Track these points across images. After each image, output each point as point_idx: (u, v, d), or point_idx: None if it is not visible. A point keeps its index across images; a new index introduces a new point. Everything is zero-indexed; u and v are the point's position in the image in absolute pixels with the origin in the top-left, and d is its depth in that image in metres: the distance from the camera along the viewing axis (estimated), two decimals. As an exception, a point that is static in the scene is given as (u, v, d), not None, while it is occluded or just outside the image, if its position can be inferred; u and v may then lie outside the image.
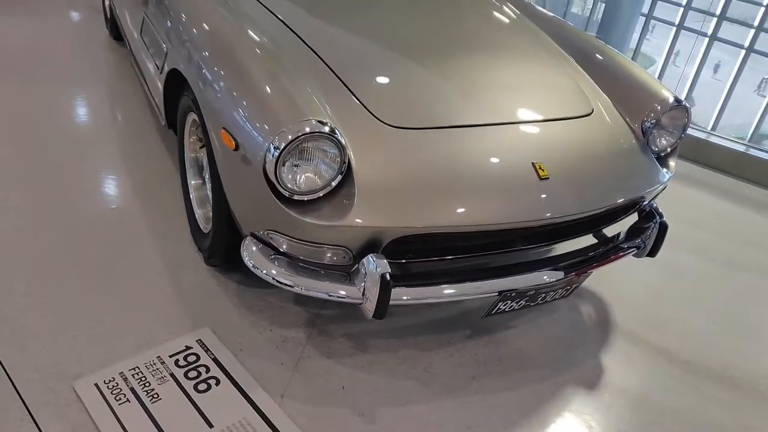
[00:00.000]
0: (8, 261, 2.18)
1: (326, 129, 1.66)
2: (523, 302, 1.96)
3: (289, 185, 1.64)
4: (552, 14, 2.77)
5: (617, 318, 2.40)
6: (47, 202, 2.50)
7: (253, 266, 1.79)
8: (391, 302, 1.75)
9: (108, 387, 1.76)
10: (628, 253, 2.16)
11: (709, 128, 4.33)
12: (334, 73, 1.95)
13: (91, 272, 2.18)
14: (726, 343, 2.39)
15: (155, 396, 1.77)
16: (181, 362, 1.89)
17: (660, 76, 9.53)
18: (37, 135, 2.96)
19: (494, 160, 1.88)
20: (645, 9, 9.40)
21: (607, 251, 2.11)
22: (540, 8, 2.84)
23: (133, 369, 1.84)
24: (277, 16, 2.17)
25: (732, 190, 3.69)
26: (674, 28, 5.16)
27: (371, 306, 1.73)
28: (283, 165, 1.63)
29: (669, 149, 2.26)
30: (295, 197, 1.66)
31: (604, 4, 9.57)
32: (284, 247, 1.78)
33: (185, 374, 1.85)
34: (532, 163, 1.88)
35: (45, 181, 2.63)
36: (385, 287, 1.69)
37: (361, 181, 1.71)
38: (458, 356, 2.10)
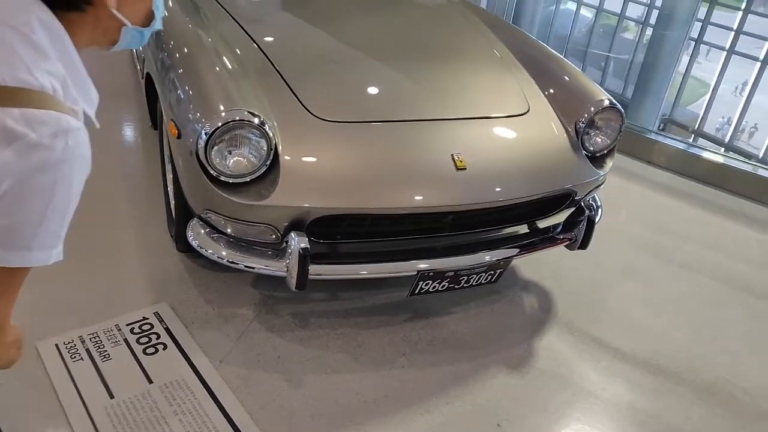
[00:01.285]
0: None
1: (255, 120, 1.87)
2: (446, 284, 2.10)
3: (218, 167, 1.85)
4: (507, 21, 2.94)
5: (558, 309, 2.50)
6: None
7: (194, 242, 2.00)
8: (311, 276, 1.93)
9: (66, 347, 1.99)
10: (555, 244, 2.28)
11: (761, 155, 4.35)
12: (279, 73, 2.16)
13: (72, 248, 2.42)
14: (661, 334, 2.46)
15: (107, 356, 1.98)
16: (136, 330, 2.10)
17: (711, 102, 9.39)
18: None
19: (415, 151, 2.04)
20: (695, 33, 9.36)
21: (531, 240, 2.22)
22: (497, 16, 3.01)
23: (92, 333, 2.06)
24: (239, 24, 2.40)
25: (712, 201, 3.71)
26: (724, 53, 5.16)
27: (292, 279, 1.91)
28: (212, 148, 1.83)
29: (606, 150, 2.37)
30: (222, 178, 1.85)
31: (651, 29, 9.61)
32: (223, 226, 1.98)
33: (137, 340, 2.06)
34: (452, 155, 2.03)
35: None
36: (303, 261, 1.87)
37: (286, 167, 1.90)
38: (393, 335, 2.25)
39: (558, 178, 2.21)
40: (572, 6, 13.85)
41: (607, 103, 2.34)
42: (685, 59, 10.03)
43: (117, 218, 2.69)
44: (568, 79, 2.51)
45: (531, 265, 2.70)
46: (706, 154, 4.00)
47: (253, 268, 1.97)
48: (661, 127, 10.80)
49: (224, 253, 1.98)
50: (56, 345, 1.99)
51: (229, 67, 2.08)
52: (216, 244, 2.00)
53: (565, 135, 2.31)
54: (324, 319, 2.28)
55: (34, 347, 1.97)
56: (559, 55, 2.65)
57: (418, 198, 1.97)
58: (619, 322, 2.50)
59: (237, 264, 1.97)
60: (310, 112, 2.04)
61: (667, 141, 4.14)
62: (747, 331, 2.56)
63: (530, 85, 2.46)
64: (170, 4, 2.53)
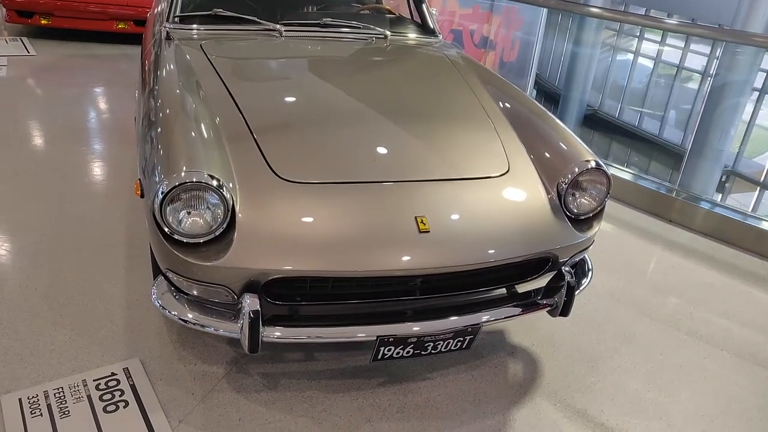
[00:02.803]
0: (-1, 293, 2.53)
1: (213, 183, 1.87)
2: (410, 350, 2.02)
3: (173, 226, 1.85)
4: (501, 77, 2.89)
5: (545, 378, 2.35)
6: (54, 222, 2.88)
7: (156, 301, 2.00)
8: (266, 339, 1.89)
9: (29, 402, 2.00)
10: (533, 310, 2.16)
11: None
12: (254, 138, 2.17)
13: (54, 295, 2.49)
14: (656, 409, 2.26)
15: (66, 413, 1.98)
16: (102, 386, 2.10)
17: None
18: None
19: (377, 213, 1.99)
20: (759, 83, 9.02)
21: (507, 306, 2.12)
22: (492, 71, 2.97)
23: (58, 388, 2.07)
24: (227, 89, 2.44)
25: (734, 263, 3.46)
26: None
27: (244, 341, 1.87)
28: (168, 207, 1.84)
29: (591, 213, 2.26)
30: (176, 237, 1.86)
31: (711, 78, 9.34)
32: (184, 287, 1.98)
33: (100, 396, 2.06)
34: (415, 217, 1.97)
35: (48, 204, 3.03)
36: (253, 324, 1.84)
37: (242, 229, 1.88)
38: (362, 400, 2.16)
39: (533, 241, 2.10)
40: (630, 56, 13.64)
41: (593, 164, 2.24)
42: (749, 108, 9.65)
43: (104, 268, 2.74)
44: (556, 138, 2.42)
45: (521, 330, 2.57)
46: (731, 214, 3.75)
47: (209, 329, 1.95)
48: (723, 179, 10.33)
49: (182, 314, 1.96)
50: (19, 399, 2.01)
51: (204, 134, 2.11)
52: (178, 305, 1.99)
53: (546, 196, 2.21)
54: (294, 381, 2.23)
55: (-1, 400, 2.00)
56: (551, 114, 2.56)
57: (377, 261, 1.91)
58: (611, 393, 2.32)
59: (193, 325, 1.95)
60: (276, 174, 2.04)
61: (691, 199, 3.91)
62: (755, 412, 2.33)
63: (515, 145, 2.39)
64: (170, 66, 2.62)
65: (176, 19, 3.01)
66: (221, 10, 3.03)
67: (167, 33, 2.93)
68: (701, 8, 12.16)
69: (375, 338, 1.95)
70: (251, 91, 2.53)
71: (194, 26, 2.99)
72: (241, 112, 2.28)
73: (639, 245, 3.54)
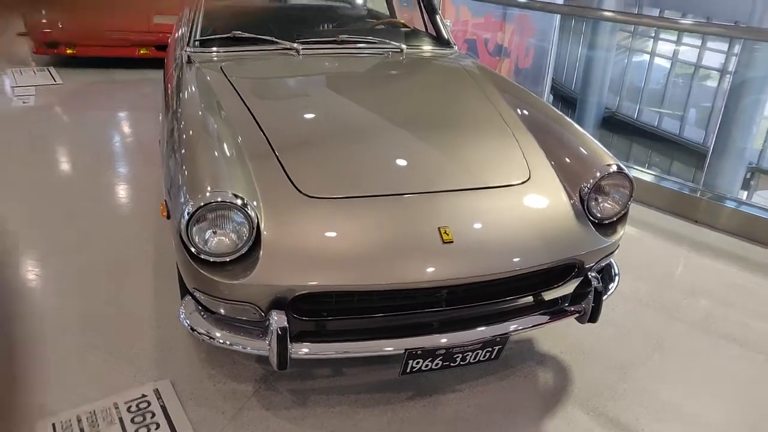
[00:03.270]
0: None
1: (238, 202, 1.87)
2: (439, 362, 1.99)
3: (199, 245, 1.85)
4: (518, 84, 2.87)
5: (575, 386, 2.31)
6: (75, 239, 2.91)
7: (185, 321, 2.00)
8: (294, 356, 1.88)
9: (62, 427, 2.01)
10: (560, 317, 2.13)
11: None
12: (276, 156, 2.17)
13: (81, 322, 2.51)
14: (692, 417, 2.20)
15: (100, 435, 1.99)
16: (133, 408, 2.10)
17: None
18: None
19: (401, 225, 1.98)
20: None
21: (534, 314, 2.08)
22: (508, 79, 2.96)
23: (90, 412, 2.08)
24: (249, 109, 2.45)
25: (752, 258, 3.38)
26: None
27: (273, 358, 1.86)
28: (194, 227, 1.84)
29: (615, 217, 2.22)
30: (203, 257, 1.86)
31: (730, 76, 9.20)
32: (212, 305, 1.98)
33: (132, 419, 2.06)
34: (438, 228, 1.96)
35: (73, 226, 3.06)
36: (281, 341, 1.83)
37: (268, 246, 1.88)
38: (391, 414, 2.14)
39: (558, 248, 2.07)
40: (646, 57, 13.52)
41: (614, 168, 2.20)
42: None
43: (132, 289, 2.76)
44: (575, 143, 2.39)
45: (550, 338, 2.53)
46: (758, 212, 3.66)
47: (238, 347, 1.94)
48: (748, 176, 10.15)
49: (211, 333, 1.96)
50: (53, 424, 2.02)
51: (227, 153, 2.11)
52: (206, 323, 1.99)
53: (569, 202, 2.18)
54: (324, 396, 2.21)
55: (32, 427, 2.01)
56: (568, 118, 2.53)
57: (401, 273, 1.89)
58: (645, 401, 2.27)
59: (221, 344, 1.94)
60: (299, 191, 2.03)
61: (716, 199, 3.83)
62: (795, 412, 2.26)
63: (535, 152, 2.36)
64: (192, 89, 2.64)
65: (196, 43, 3.04)
66: (239, 32, 3.05)
67: (188, 56, 2.96)
68: (716, 6, 12.02)
69: (403, 351, 1.93)
70: (271, 109, 2.54)
71: (214, 49, 3.02)
72: (262, 131, 2.29)
73: (665, 247, 3.48)
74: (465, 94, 2.80)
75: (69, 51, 6.65)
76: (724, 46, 11.52)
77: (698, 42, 12.36)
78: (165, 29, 6.29)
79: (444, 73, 3.15)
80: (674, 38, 12.56)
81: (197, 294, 1.97)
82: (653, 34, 13.00)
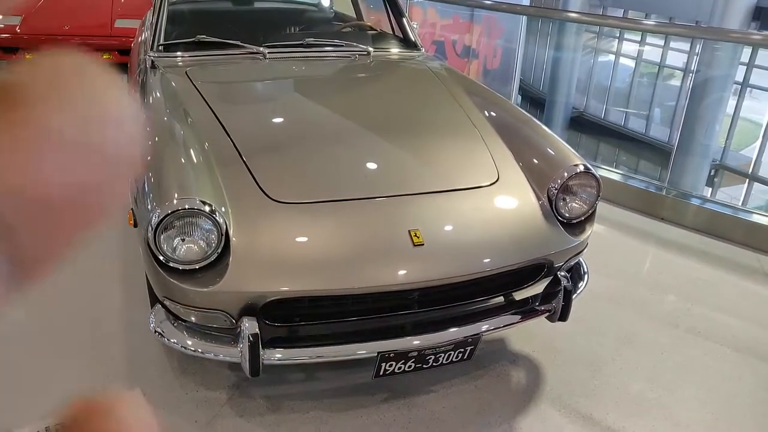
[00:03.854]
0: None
1: (206, 209, 1.87)
2: (411, 364, 2.01)
3: (168, 254, 1.85)
4: (486, 87, 2.92)
5: (548, 384, 2.35)
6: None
7: (154, 329, 1.99)
8: (266, 362, 1.88)
9: (30, 439, 1.98)
10: (531, 316, 2.17)
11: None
12: (244, 161, 2.17)
13: (49, 334, 2.47)
14: (661, 408, 2.26)
15: (70, 447, 1.96)
16: (104, 418, 2.08)
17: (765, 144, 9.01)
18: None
19: (371, 229, 2.00)
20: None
21: (505, 314, 2.12)
22: (476, 82, 3.00)
23: (59, 424, 2.04)
24: (215, 115, 2.43)
25: (729, 258, 3.47)
26: None
27: (245, 365, 1.86)
28: (162, 235, 1.83)
29: (583, 216, 2.27)
30: (171, 264, 1.85)
31: (692, 75, 9.42)
32: (182, 314, 1.97)
33: (103, 429, 2.03)
34: (408, 230, 1.98)
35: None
36: (253, 347, 1.83)
37: (237, 253, 1.88)
38: (366, 417, 2.15)
39: (528, 247, 2.11)
40: (611, 57, 13.76)
41: (581, 168, 2.25)
42: (733, 102, 9.74)
43: (100, 300, 2.73)
44: (543, 144, 2.44)
45: (521, 337, 2.57)
46: (721, 209, 3.77)
47: (210, 355, 1.94)
48: (712, 173, 10.39)
49: (182, 341, 1.95)
50: (21, 437, 1.99)
51: (194, 160, 2.11)
52: (177, 332, 1.98)
53: (537, 202, 2.22)
54: (298, 402, 2.21)
55: (1, 440, 1.98)
56: (536, 120, 2.58)
57: (373, 277, 1.91)
58: (616, 397, 2.32)
59: (193, 352, 1.94)
60: (268, 196, 2.04)
61: (681, 196, 3.93)
62: (759, 406, 2.33)
63: (503, 153, 2.39)
64: (157, 94, 2.62)
65: (160, 48, 3.02)
66: (204, 36, 3.04)
67: (152, 62, 2.94)
68: (678, 7, 12.31)
69: (376, 354, 1.95)
70: (238, 114, 2.54)
71: (178, 54, 3.00)
72: (229, 136, 2.29)
73: (633, 245, 3.55)
74: (433, 97, 2.83)
75: (28, 56, 6.50)
76: (687, 46, 11.80)
77: (661, 42, 12.64)
78: (128, 33, 6.22)
79: (411, 75, 3.18)
80: (638, 38, 12.81)
81: (167, 302, 1.96)
82: (618, 35, 13.26)
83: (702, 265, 3.34)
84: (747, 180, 11.28)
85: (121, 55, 6.56)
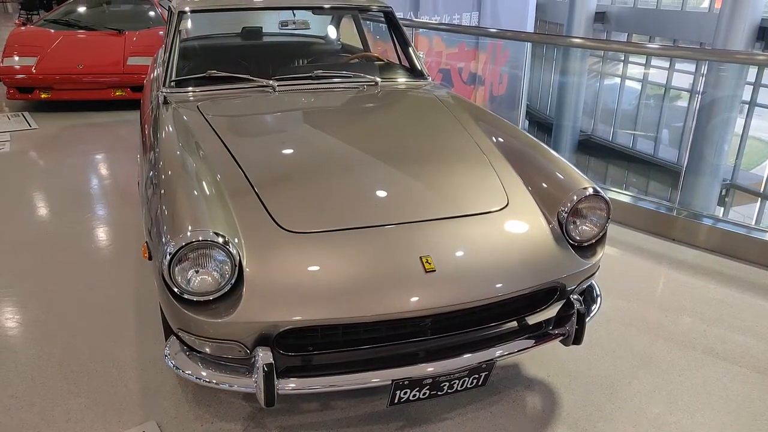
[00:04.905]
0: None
1: (219, 240, 1.89)
2: (426, 391, 2.00)
3: (182, 286, 1.86)
4: (492, 113, 2.95)
5: (564, 408, 2.32)
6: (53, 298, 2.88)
7: (170, 362, 1.99)
8: (281, 391, 1.88)
9: (48, 473, 1.98)
10: (545, 341, 2.15)
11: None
12: (255, 192, 2.19)
13: (65, 368, 2.48)
14: (682, 433, 2.23)
15: (86, 482, 1.95)
16: (120, 452, 2.08)
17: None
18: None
19: (383, 257, 2.00)
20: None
21: (518, 339, 2.11)
22: (482, 108, 3.03)
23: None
24: (226, 147, 2.47)
25: (745, 278, 3.44)
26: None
27: (260, 395, 1.86)
28: (176, 267, 1.85)
29: (594, 239, 2.27)
30: (186, 296, 1.86)
31: (699, 96, 9.42)
32: (197, 345, 1.97)
33: (119, 463, 2.03)
34: (420, 257, 1.98)
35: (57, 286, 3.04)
36: (267, 377, 1.83)
37: (250, 283, 1.89)
38: (382, 447, 2.13)
39: (539, 271, 2.10)
40: (617, 80, 13.82)
41: (591, 191, 2.26)
42: (741, 122, 9.73)
43: (115, 333, 2.74)
44: (551, 168, 2.45)
45: (536, 362, 2.55)
46: (734, 228, 3.74)
47: (224, 386, 1.94)
48: (723, 193, 10.33)
49: (197, 373, 1.95)
50: (38, 473, 1.98)
51: (207, 192, 2.13)
52: (192, 363, 1.99)
53: (548, 226, 2.22)
54: (313, 431, 2.20)
55: (18, 475, 1.98)
56: (544, 144, 2.60)
57: (385, 305, 1.91)
58: (634, 419, 2.29)
59: (208, 383, 1.94)
60: (280, 226, 2.05)
61: (692, 216, 3.91)
62: (780, 424, 2.29)
63: (512, 178, 2.41)
64: (169, 128, 2.66)
65: (172, 84, 3.08)
66: (215, 71, 3.10)
67: (164, 97, 2.99)
68: (681, 29, 12.39)
69: (390, 382, 1.94)
70: (249, 146, 2.58)
71: (190, 89, 3.05)
72: (241, 168, 2.32)
73: (645, 267, 3.53)
74: (441, 124, 2.86)
75: (44, 95, 6.67)
76: (692, 67, 11.85)
77: (667, 64, 12.71)
78: (140, 70, 6.35)
79: (419, 104, 3.21)
80: (643, 61, 12.89)
81: (182, 334, 1.97)
82: (623, 58, 13.33)
83: (716, 285, 3.31)
84: (759, 199, 11.20)
85: (134, 92, 6.69)
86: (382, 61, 3.73)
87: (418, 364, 1.98)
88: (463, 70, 8.08)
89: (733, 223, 3.83)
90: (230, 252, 1.88)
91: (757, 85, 10.28)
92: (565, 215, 2.22)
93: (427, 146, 2.67)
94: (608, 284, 2.94)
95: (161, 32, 6.85)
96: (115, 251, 3.55)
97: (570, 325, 2.17)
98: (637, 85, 13.76)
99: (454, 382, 2.02)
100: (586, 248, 2.24)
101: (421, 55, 3.68)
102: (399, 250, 2.02)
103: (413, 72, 3.54)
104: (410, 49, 3.62)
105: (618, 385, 2.47)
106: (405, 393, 1.97)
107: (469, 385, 2.06)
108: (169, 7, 3.77)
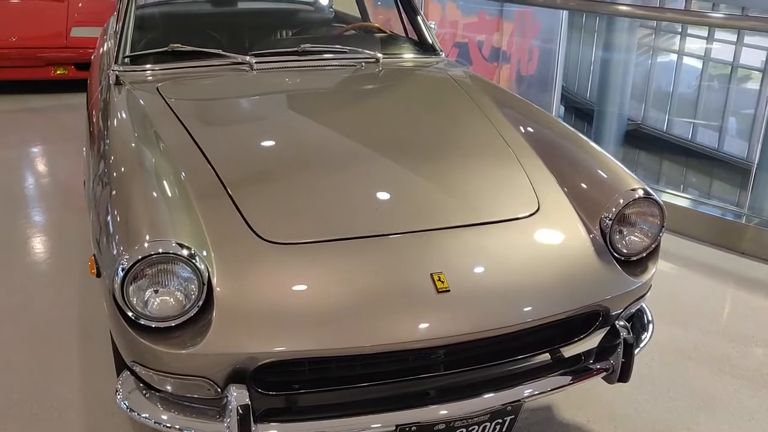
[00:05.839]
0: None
1: (184, 252, 1.89)
2: (439, 438, 2.00)
3: (138, 309, 1.86)
4: (521, 98, 2.95)
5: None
6: None
7: (123, 403, 2.00)
8: (259, 440, 1.88)
9: None
10: (584, 377, 2.16)
11: None
12: (229, 194, 2.20)
13: (1, 418, 2.49)
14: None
15: None
16: None
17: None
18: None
19: (386, 273, 2.01)
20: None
21: (552, 374, 2.11)
22: (509, 92, 3.04)
23: None
24: (193, 138, 2.48)
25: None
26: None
27: (234, 443, 1.86)
28: (130, 285, 1.85)
29: (645, 252, 2.27)
30: (143, 322, 1.87)
31: None
32: (155, 382, 1.98)
33: None
34: (431, 274, 1.99)
35: None
36: (243, 421, 1.83)
37: (223, 306, 1.89)
38: (383, 508, 2.13)
39: (577, 292, 2.11)
40: (673, 57, 13.85)
41: (641, 193, 2.26)
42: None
43: (56, 367, 2.75)
44: (592, 165, 2.46)
45: (573, 403, 2.56)
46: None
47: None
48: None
49: (164, 417, 1.95)
50: None
51: (169, 193, 2.14)
52: (150, 404, 1.99)
53: (588, 236, 2.23)
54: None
55: None
56: (583, 135, 2.61)
57: (388, 333, 1.91)
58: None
59: (169, 429, 1.94)
60: (259, 236, 2.06)
61: (766, 224, 3.91)
62: None
63: (544, 178, 2.42)
64: (122, 116, 2.68)
65: (126, 60, 3.09)
66: (179, 45, 3.10)
67: (116, 77, 3.00)
68: (752, -6, 12.39)
69: (394, 428, 1.94)
70: (221, 137, 2.59)
71: (148, 66, 3.07)
72: (210, 164, 2.32)
73: (707, 286, 3.54)
74: (456, 111, 2.87)
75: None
76: (766, 42, 11.85)
77: (734, 37, 12.72)
78: (86, 44, 6.35)
79: (430, 86, 3.22)
80: (705, 34, 12.91)
81: (137, 368, 1.97)
82: (680, 30, 13.36)
83: (795, 310, 3.32)
84: None
85: (79, 70, 6.69)
86: (385, 32, 3.75)
87: (429, 405, 1.98)
88: (484, 44, 8.10)
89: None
90: (197, 267, 1.88)
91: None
92: (610, 223, 2.22)
93: (440, 138, 2.68)
94: (662, 308, 2.94)
95: (113, -3, 6.88)
96: (56, 266, 3.56)
97: (615, 359, 2.17)
98: (698, 63, 13.77)
99: (473, 428, 2.02)
100: (634, 263, 2.25)
101: (433, 26, 3.70)
102: (405, 265, 2.03)
103: (423, 46, 3.55)
104: (419, 18, 3.63)
105: (673, 431, 2.48)
106: (413, 441, 1.97)
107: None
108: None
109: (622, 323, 2.18)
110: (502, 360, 2.10)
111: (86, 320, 3.05)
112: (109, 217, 2.09)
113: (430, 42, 3.56)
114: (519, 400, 2.04)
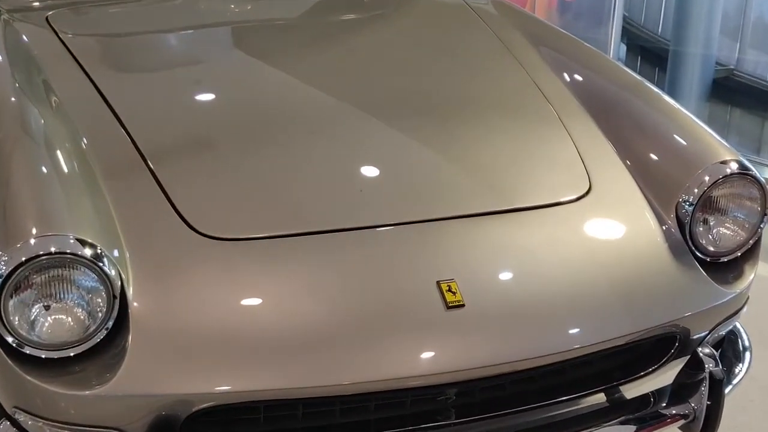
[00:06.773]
0: None
1: (86, 252, 1.89)
2: None
3: (22, 332, 1.86)
4: (569, 34, 2.95)
5: None
6: None
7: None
8: None
9: None
10: (655, 426, 2.18)
11: None
12: (149, 168, 2.20)
13: None
14: None
15: None
16: None
17: None
18: None
19: (374, 281, 2.02)
20: None
21: (596, 425, 2.14)
22: (553, 27, 3.03)
23: None
24: (98, 89, 2.47)
25: None
26: None
27: None
28: (10, 300, 1.84)
29: (739, 249, 2.28)
30: (28, 351, 1.86)
31: None
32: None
33: None
34: (438, 282, 1.99)
35: None
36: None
37: (141, 328, 1.89)
38: None
39: (644, 308, 2.13)
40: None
41: (734, 167, 2.27)
42: None
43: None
44: (667, 128, 2.47)
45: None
46: None
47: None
48: None
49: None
50: None
51: (64, 168, 2.14)
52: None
53: (659, 228, 2.24)
54: None
55: None
56: (653, 86, 2.61)
57: (375, 366, 1.92)
58: None
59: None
60: (194, 229, 2.06)
61: None
62: None
63: (598, 146, 2.43)
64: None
65: (2, -23, 3.08)
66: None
67: (-11, 2, 2.99)
68: None
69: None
70: (139, 90, 2.58)
71: (33, -12, 3.06)
72: (124, 127, 2.32)
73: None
74: (475, 53, 2.88)
75: None
76: None
77: None
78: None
79: (436, 16, 3.22)
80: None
81: (19, 416, 1.98)
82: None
83: None
84: None
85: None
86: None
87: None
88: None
89: None
90: (105, 273, 1.88)
91: None
92: (690, 209, 2.23)
93: (451, 91, 2.69)
94: (763, 328, 2.96)
95: None
96: None
97: (697, 401, 2.19)
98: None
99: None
100: (724, 267, 2.27)
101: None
102: (401, 269, 2.04)
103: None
104: None
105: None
106: None
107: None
108: None
109: (707, 351, 2.19)
110: (536, 404, 2.11)
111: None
112: None
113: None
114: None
